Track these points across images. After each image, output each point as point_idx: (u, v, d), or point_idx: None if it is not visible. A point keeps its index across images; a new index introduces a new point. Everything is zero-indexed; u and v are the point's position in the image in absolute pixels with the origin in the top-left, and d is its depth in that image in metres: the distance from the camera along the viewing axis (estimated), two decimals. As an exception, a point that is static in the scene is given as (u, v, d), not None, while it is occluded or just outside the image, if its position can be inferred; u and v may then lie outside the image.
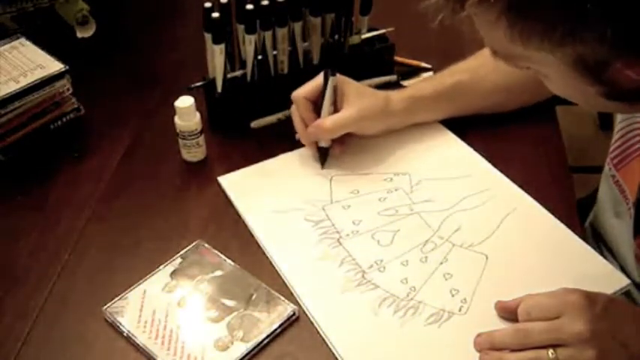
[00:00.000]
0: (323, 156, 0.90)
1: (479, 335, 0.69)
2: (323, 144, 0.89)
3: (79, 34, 1.05)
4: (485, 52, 0.74)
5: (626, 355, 0.64)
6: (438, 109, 0.93)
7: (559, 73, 0.58)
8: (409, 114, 0.91)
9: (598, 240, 0.91)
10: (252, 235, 0.82)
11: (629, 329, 0.65)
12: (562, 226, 0.81)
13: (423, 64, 1.06)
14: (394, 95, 0.91)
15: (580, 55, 0.54)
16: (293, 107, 0.89)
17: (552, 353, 0.64)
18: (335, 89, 0.87)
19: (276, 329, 0.71)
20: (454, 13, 0.56)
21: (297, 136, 0.90)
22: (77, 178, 0.91)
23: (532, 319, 0.67)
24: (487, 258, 0.78)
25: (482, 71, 0.91)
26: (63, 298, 0.76)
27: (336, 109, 0.88)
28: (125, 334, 0.71)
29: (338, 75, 0.87)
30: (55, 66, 0.92)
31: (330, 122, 0.86)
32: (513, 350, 0.66)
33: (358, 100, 0.87)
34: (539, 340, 0.65)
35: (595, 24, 0.51)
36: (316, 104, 0.88)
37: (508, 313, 0.70)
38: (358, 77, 1.01)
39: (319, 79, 0.88)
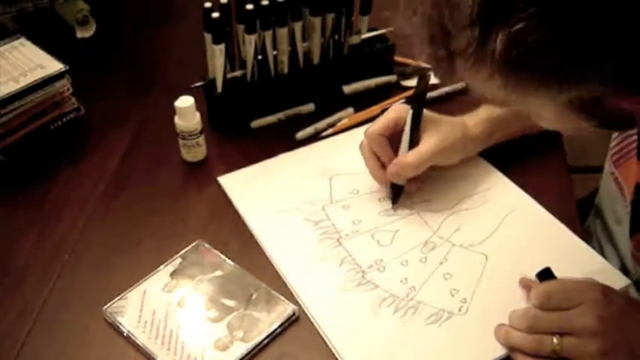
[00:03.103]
0: (397, 194, 0.84)
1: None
2: (398, 181, 0.83)
3: (79, 34, 1.05)
4: None
5: (631, 359, 0.64)
6: (511, 129, 0.88)
7: (551, 113, 0.57)
8: (487, 137, 0.87)
9: (597, 238, 0.91)
10: (252, 235, 0.82)
11: None
12: (562, 226, 0.81)
13: (423, 65, 1.06)
14: (469, 120, 0.86)
15: (576, 96, 0.53)
16: (364, 144, 0.84)
17: (557, 339, 0.64)
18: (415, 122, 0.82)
19: (276, 329, 0.71)
20: (446, 75, 0.55)
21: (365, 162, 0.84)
22: (77, 178, 0.91)
23: (551, 303, 0.67)
24: (487, 258, 0.78)
25: None
26: (63, 298, 0.76)
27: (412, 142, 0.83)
28: (125, 334, 0.71)
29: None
30: (55, 66, 0.92)
31: (413, 157, 0.81)
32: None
33: (436, 130, 0.82)
34: (548, 327, 0.66)
35: (597, 65, 0.49)
36: (391, 140, 0.83)
37: (529, 289, 0.71)
38: (358, 77, 1.01)
39: (391, 114, 0.83)
